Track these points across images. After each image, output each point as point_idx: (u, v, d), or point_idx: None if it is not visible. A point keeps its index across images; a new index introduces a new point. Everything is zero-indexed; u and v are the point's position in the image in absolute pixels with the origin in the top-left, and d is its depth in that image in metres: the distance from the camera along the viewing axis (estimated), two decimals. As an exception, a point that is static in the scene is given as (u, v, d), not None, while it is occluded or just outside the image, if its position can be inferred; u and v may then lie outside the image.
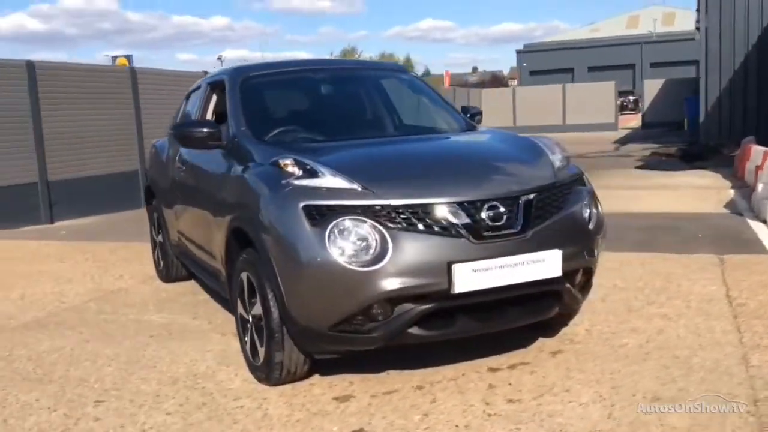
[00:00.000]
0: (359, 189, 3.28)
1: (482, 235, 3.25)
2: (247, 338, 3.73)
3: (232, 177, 3.92)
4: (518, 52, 58.31)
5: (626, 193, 10.52)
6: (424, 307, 3.20)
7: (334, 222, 3.16)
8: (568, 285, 3.55)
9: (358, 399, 3.41)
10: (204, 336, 4.46)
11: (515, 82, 57.48)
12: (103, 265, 6.86)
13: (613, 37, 53.81)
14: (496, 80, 76.39)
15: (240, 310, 3.78)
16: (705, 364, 3.61)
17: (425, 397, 3.39)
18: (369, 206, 3.21)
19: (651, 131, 26.60)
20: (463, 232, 3.22)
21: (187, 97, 5.65)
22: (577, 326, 4.26)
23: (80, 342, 4.47)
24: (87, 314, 5.13)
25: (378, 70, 5.44)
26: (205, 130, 4.16)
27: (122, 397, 3.56)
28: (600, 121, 29.45)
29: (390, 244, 3.13)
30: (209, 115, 4.92)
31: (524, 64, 56.16)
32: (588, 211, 3.68)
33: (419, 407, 3.28)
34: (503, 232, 3.30)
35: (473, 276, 3.17)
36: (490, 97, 32.16)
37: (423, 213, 3.23)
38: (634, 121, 33.67)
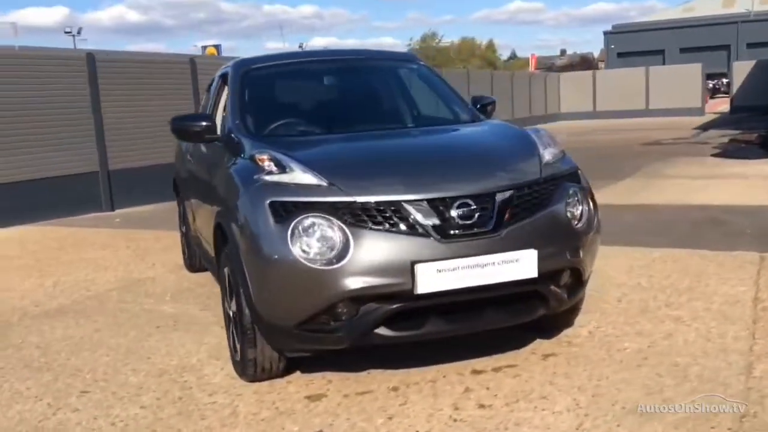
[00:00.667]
0: (326, 185, 3.22)
1: (450, 234, 3.14)
2: (230, 333, 3.74)
3: (220, 171, 3.93)
4: (606, 33, 56.52)
5: (692, 183, 10.05)
6: (389, 307, 3.11)
7: (297, 219, 3.11)
8: (552, 286, 3.39)
9: (329, 398, 3.36)
10: (206, 328, 4.50)
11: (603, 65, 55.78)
12: (142, 253, 7.05)
13: (707, 16, 51.36)
14: (585, 63, 74.22)
15: (224, 304, 3.80)
16: (703, 373, 3.38)
17: (397, 399, 3.31)
18: (333, 203, 3.15)
19: (738, 116, 25.28)
20: (429, 230, 3.12)
21: (208, 89, 5.71)
22: (581, 327, 4.08)
23: (91, 331, 4.60)
24: (108, 303, 5.28)
25: (387, 60, 5.32)
26: (202, 123, 4.18)
27: (107, 389, 3.63)
28: (685, 105, 28.24)
29: (352, 243, 3.06)
30: (220, 108, 4.95)
31: (612, 46, 54.47)
32: (577, 208, 3.49)
33: (386, 410, 3.20)
34: (474, 230, 3.17)
35: (438, 276, 3.06)
36: (568, 81, 31.35)
37: (390, 211, 3.14)
38: (725, 105, 32.10)
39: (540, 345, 3.86)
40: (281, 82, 4.76)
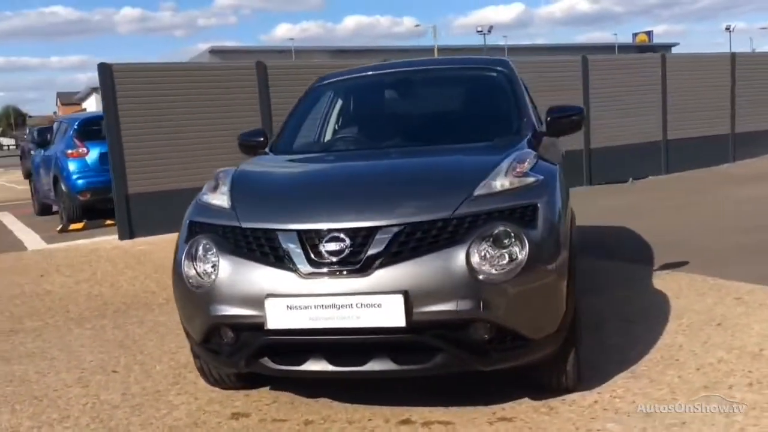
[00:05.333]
0: (228, 208, 3.30)
1: (314, 270, 2.97)
2: None
3: None
4: None
5: None
6: (255, 339, 3.08)
7: (192, 240, 3.27)
8: (451, 339, 2.94)
9: (247, 420, 3.37)
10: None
11: None
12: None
13: None
14: None
15: None
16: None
17: (295, 434, 3.21)
18: (223, 227, 3.23)
19: None
20: (294, 263, 3.00)
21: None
22: (598, 394, 3.40)
23: (176, 322, 5.11)
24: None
25: (459, 70, 4.99)
26: (256, 139, 4.45)
27: (123, 374, 4.10)
28: None
29: (220, 269, 3.10)
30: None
31: None
32: (491, 252, 2.94)
33: (272, 443, 3.13)
34: (340, 267, 2.95)
35: (287, 313, 2.94)
36: None
37: (264, 239, 3.10)
38: None
39: (517, 405, 3.32)
40: (332, 98, 4.85)
